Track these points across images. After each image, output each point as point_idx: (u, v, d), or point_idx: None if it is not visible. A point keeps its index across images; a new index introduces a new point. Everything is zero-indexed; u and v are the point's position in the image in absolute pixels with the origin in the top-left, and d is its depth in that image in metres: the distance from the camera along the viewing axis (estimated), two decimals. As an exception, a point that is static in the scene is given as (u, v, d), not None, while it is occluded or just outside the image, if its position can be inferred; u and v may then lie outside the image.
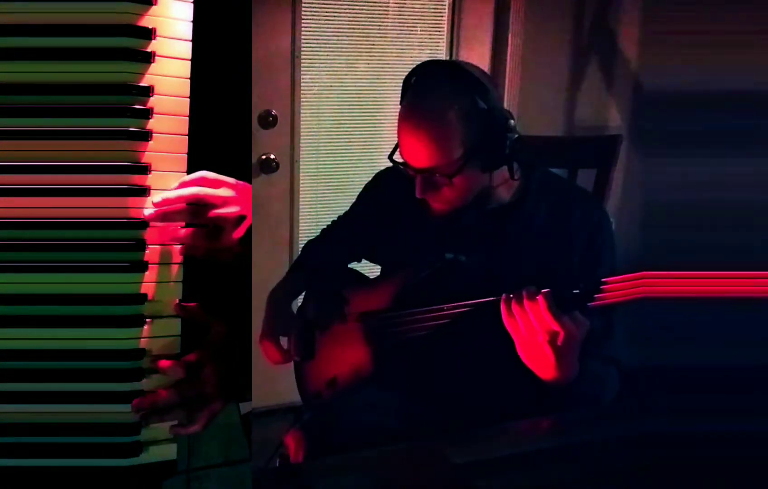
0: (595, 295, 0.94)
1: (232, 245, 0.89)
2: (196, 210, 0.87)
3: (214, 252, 0.90)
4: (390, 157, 1.14)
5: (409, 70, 1.12)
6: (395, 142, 1.13)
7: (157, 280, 0.89)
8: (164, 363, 0.89)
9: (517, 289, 0.98)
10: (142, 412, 0.88)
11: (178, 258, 0.90)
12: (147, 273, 0.89)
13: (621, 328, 1.11)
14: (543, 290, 0.95)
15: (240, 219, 0.89)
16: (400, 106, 1.10)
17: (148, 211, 0.87)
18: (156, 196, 0.87)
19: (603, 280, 0.94)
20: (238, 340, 0.93)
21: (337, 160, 2.22)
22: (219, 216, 0.87)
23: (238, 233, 0.89)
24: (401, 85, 1.14)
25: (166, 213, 0.87)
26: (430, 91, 1.07)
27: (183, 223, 0.89)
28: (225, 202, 0.88)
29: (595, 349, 1.09)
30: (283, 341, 1.25)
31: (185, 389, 0.89)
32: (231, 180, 0.90)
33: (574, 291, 0.95)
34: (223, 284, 0.95)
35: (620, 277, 0.94)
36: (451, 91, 1.05)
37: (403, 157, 1.10)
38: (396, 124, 1.10)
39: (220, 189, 0.89)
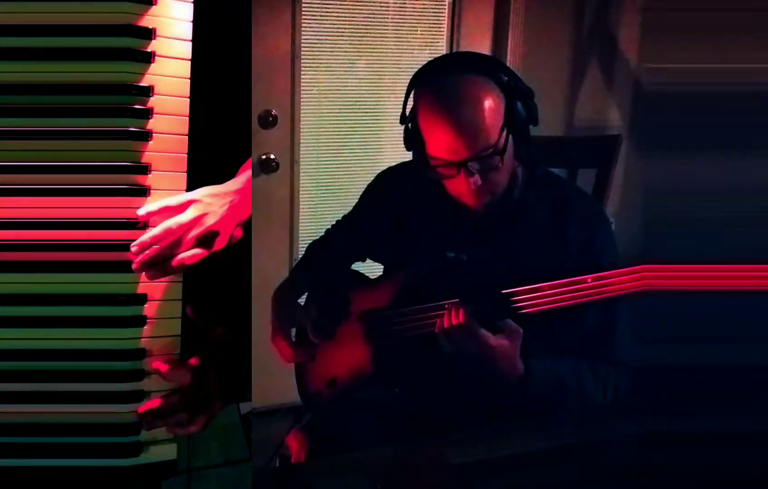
0: (510, 307, 1.00)
1: (221, 249, 0.88)
2: (176, 241, 0.86)
3: (209, 258, 0.89)
4: (423, 166, 1.10)
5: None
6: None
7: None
8: (163, 366, 0.89)
9: (515, 287, 0.99)
10: (148, 418, 0.88)
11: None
12: (147, 273, 0.89)
13: (623, 328, 1.10)
14: (461, 304, 1.01)
15: (215, 234, 0.87)
16: (422, 109, 1.07)
17: (134, 265, 0.85)
18: (132, 245, 0.85)
19: (504, 292, 1.00)
20: (238, 341, 0.93)
21: (337, 160, 2.22)
22: (198, 236, 0.86)
23: (220, 242, 0.88)
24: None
25: (151, 257, 0.85)
26: (457, 77, 1.05)
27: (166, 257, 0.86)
28: (197, 221, 0.87)
29: (590, 350, 1.09)
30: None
31: (190, 393, 0.89)
32: (197, 193, 0.89)
33: (489, 302, 1.01)
34: (223, 284, 0.94)
35: (619, 271, 0.94)
36: (476, 69, 1.05)
37: (440, 156, 1.06)
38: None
39: (187, 210, 0.87)
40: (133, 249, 0.85)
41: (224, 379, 0.92)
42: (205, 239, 0.87)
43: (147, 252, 0.85)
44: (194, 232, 0.86)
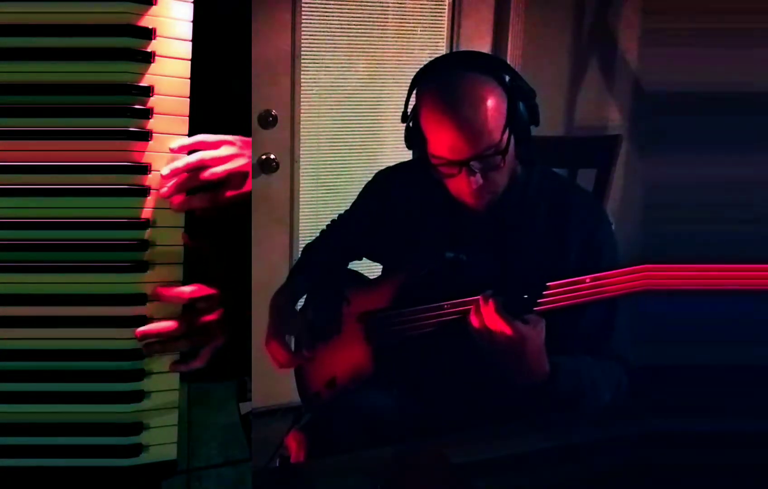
0: (539, 300, 0.98)
1: (242, 196, 0.90)
2: (199, 173, 0.88)
3: (225, 207, 0.90)
4: (424, 165, 1.10)
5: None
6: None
7: (157, 280, 0.89)
8: (165, 290, 0.89)
9: (514, 286, 0.99)
10: (147, 341, 0.88)
11: (178, 258, 0.91)
12: (147, 273, 0.89)
13: (624, 325, 1.10)
14: (492, 295, 0.98)
15: (244, 175, 0.90)
16: (425, 107, 1.07)
17: (163, 190, 0.87)
18: (164, 169, 0.87)
19: (547, 284, 0.97)
20: (240, 281, 0.94)
21: (337, 160, 2.22)
22: (229, 172, 0.88)
23: (248, 186, 0.90)
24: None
25: (179, 183, 0.87)
26: (460, 76, 1.05)
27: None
28: (230, 158, 0.89)
29: (590, 347, 1.10)
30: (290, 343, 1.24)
31: (191, 320, 0.90)
32: (230, 136, 0.91)
33: (524, 295, 0.98)
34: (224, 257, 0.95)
35: (620, 270, 0.94)
36: (479, 68, 1.05)
37: (442, 155, 1.06)
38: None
39: (221, 148, 0.89)
40: (165, 172, 0.87)
41: (227, 308, 0.92)
42: (235, 179, 0.89)
43: (177, 178, 0.87)
44: (226, 167, 0.88)
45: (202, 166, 0.88)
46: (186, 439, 0.93)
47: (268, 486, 0.90)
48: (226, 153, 0.89)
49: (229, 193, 0.89)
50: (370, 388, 1.20)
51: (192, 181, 0.88)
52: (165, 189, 0.87)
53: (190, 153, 0.89)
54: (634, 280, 0.93)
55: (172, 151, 0.88)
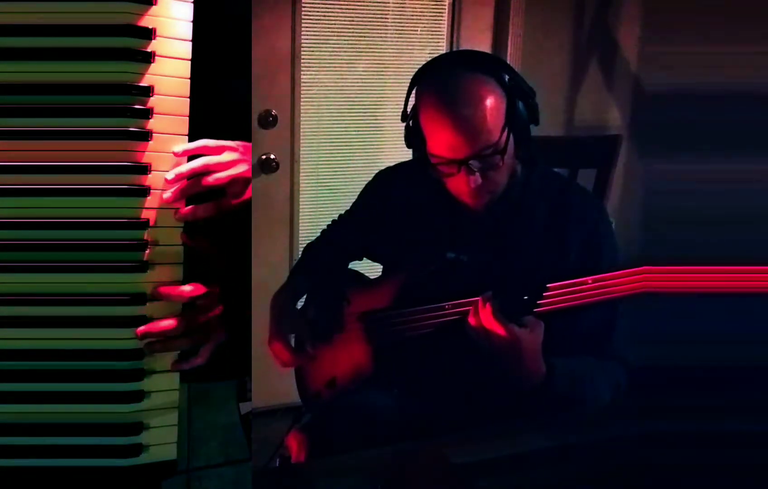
0: (540, 301, 0.98)
1: (243, 203, 0.91)
2: (202, 179, 0.88)
3: (227, 212, 0.91)
4: (424, 164, 1.10)
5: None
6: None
7: (158, 280, 0.89)
8: (167, 289, 0.89)
9: (514, 287, 0.99)
10: (148, 340, 0.88)
11: (178, 257, 0.91)
12: (147, 273, 0.89)
13: (624, 325, 1.10)
14: (491, 296, 0.99)
15: (246, 181, 0.90)
16: (424, 106, 1.07)
17: (167, 194, 0.87)
18: (168, 174, 0.87)
19: (547, 285, 0.98)
20: (240, 283, 0.94)
21: (337, 160, 2.22)
22: (231, 177, 0.89)
23: (248, 193, 0.91)
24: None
25: (183, 188, 0.87)
26: (459, 75, 1.05)
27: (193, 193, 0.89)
28: (232, 164, 0.89)
29: (591, 348, 1.10)
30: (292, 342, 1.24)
31: (190, 317, 0.90)
32: (232, 143, 0.91)
33: (524, 296, 0.99)
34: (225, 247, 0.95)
35: (620, 272, 0.94)
36: (478, 67, 1.05)
37: (441, 154, 1.06)
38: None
39: (223, 153, 0.89)
40: (170, 176, 0.87)
41: (226, 305, 0.92)
42: (236, 185, 0.89)
43: (181, 183, 0.87)
44: (229, 172, 0.88)
45: (205, 171, 0.88)
46: (186, 439, 0.93)
47: (268, 486, 0.90)
48: (228, 159, 0.89)
49: (234, 202, 0.90)
50: (370, 388, 1.20)
51: (195, 186, 0.88)
52: (169, 193, 0.87)
53: (192, 158, 0.89)
54: (634, 282, 0.93)
55: (175, 155, 0.88)
